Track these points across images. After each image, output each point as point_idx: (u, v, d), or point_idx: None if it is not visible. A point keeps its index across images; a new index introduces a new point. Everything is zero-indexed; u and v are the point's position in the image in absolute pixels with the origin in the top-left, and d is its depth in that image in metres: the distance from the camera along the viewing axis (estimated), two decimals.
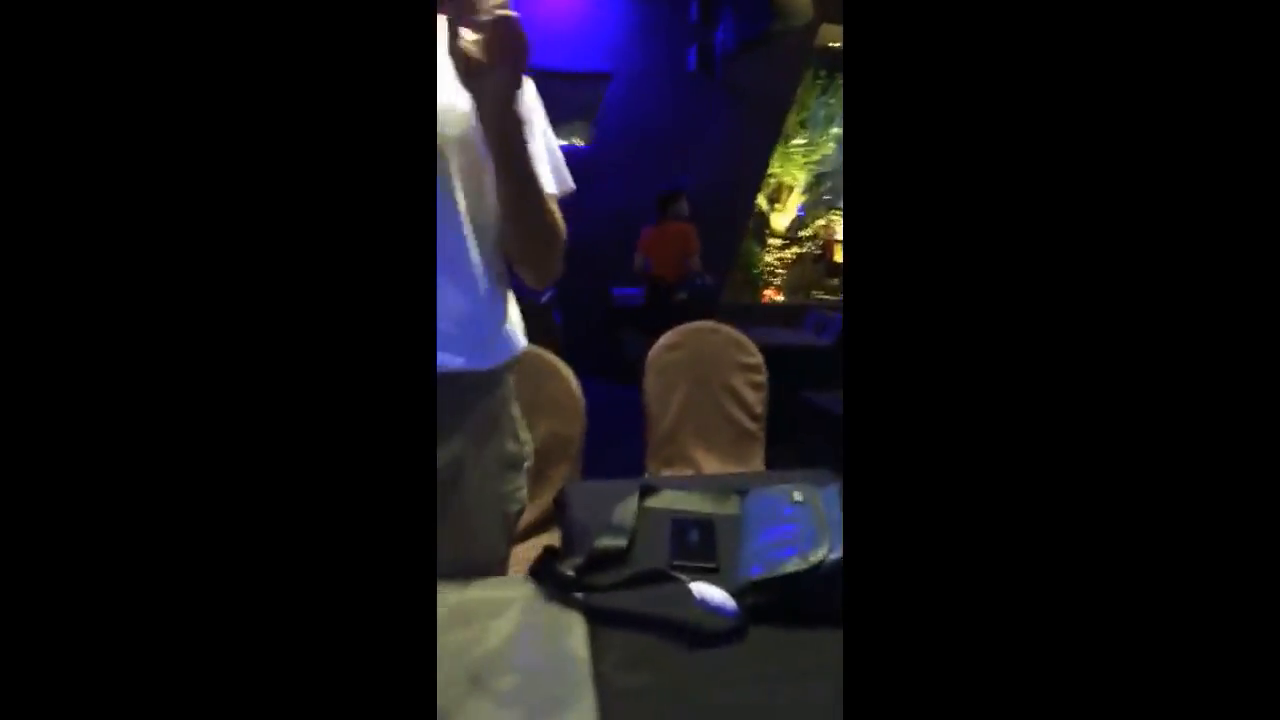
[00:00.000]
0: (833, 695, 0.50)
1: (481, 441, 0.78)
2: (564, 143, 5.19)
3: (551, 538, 1.24)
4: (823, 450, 2.09)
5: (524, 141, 0.69)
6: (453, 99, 0.69)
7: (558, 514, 1.07)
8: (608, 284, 4.74)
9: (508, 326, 0.78)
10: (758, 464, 1.82)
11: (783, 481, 0.94)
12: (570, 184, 0.79)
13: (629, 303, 4.55)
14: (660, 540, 0.86)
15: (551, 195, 0.76)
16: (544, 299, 3.82)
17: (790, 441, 2.13)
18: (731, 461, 1.81)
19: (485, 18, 0.60)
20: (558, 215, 0.75)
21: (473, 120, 0.69)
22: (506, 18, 0.60)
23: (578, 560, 0.76)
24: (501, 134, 0.67)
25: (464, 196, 0.72)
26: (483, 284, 0.73)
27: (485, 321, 0.75)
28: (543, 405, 1.37)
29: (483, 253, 0.74)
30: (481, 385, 0.77)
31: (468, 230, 0.72)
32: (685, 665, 0.62)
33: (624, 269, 4.79)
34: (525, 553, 1.14)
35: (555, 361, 1.42)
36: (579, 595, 0.71)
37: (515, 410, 0.83)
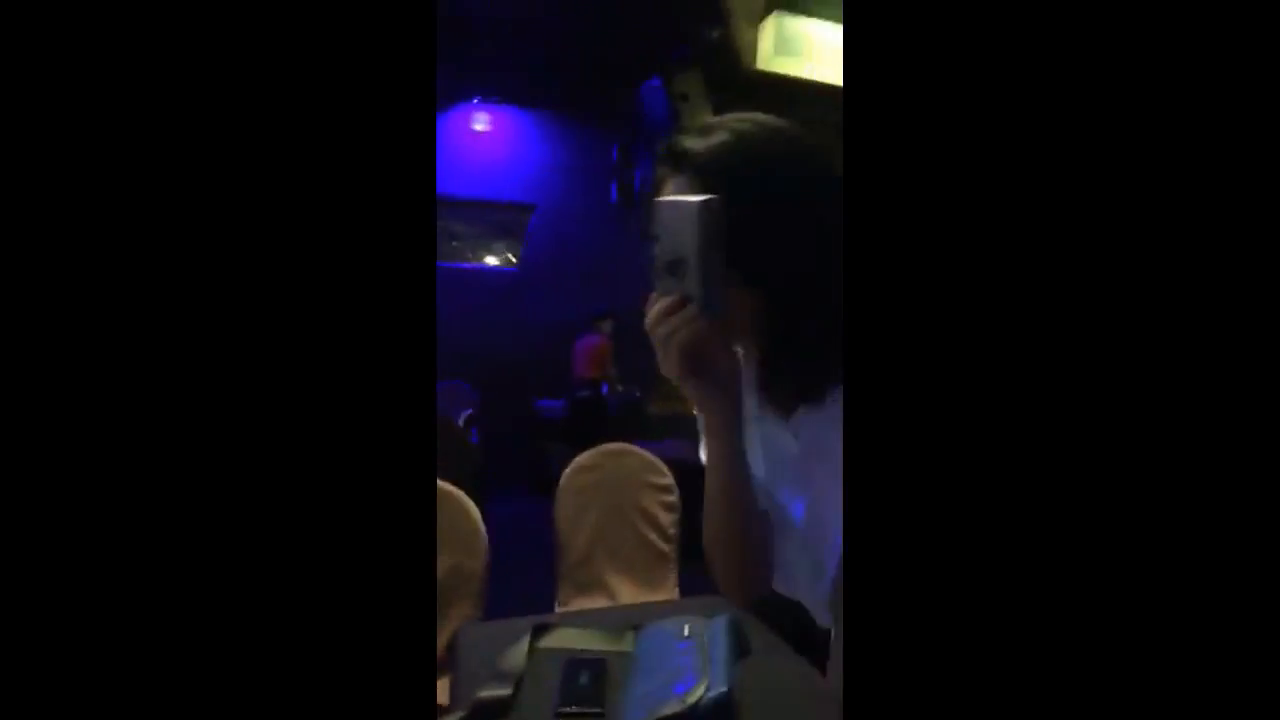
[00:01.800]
0: None
1: None
2: (493, 264, 5.37)
3: (443, 686, 1.17)
4: None
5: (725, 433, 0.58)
6: None
7: (449, 660, 1.03)
8: (532, 397, 4.77)
9: None
10: (671, 586, 1.80)
11: (680, 612, 0.95)
12: None
13: (552, 415, 4.58)
14: (551, 684, 0.85)
15: None
16: (461, 418, 3.78)
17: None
18: (645, 585, 1.79)
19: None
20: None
21: None
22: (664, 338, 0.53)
23: (458, 715, 0.73)
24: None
25: None
26: None
27: None
28: (441, 537, 1.34)
29: None
30: None
31: None
32: None
33: (548, 383, 4.84)
34: None
35: (453, 490, 1.40)
36: None
37: None
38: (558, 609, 1.70)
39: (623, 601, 1.73)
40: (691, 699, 0.71)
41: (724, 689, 0.72)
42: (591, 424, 4.08)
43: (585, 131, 4.98)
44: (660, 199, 0.54)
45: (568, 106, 4.85)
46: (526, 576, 1.84)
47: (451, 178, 4.65)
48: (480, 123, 4.62)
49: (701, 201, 0.51)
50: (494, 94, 4.58)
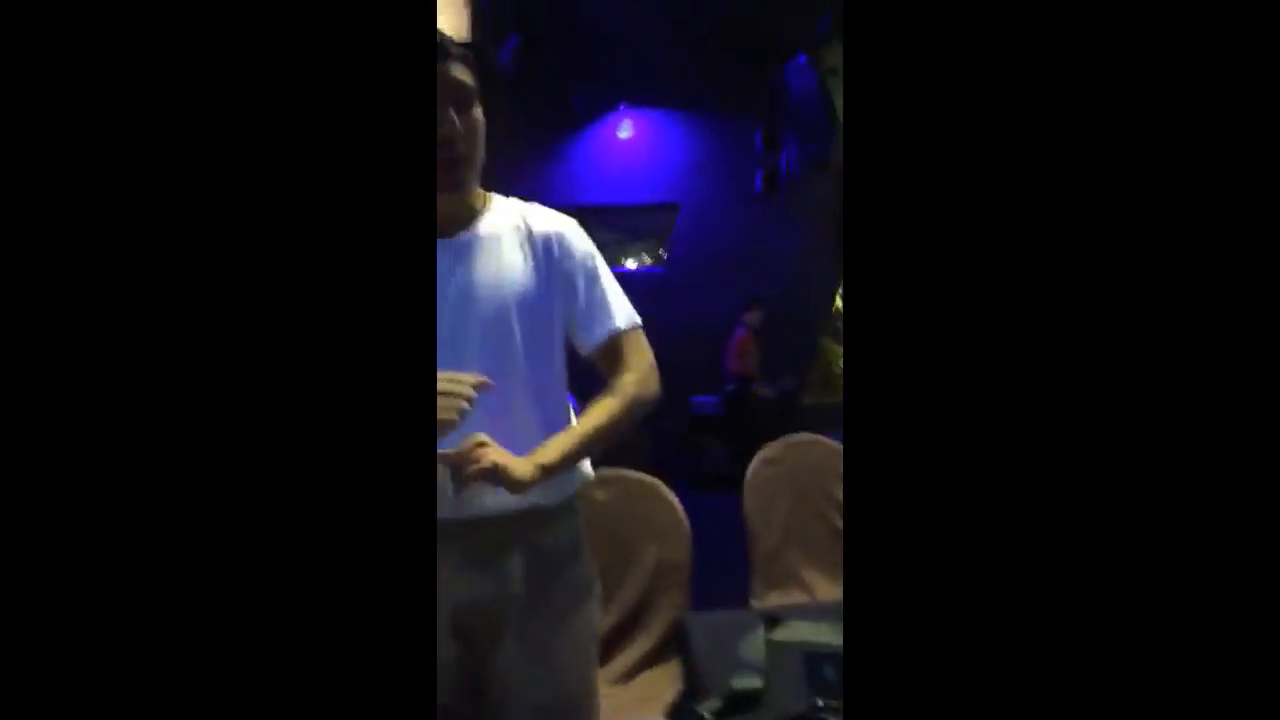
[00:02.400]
0: None
1: (555, 573, 0.78)
2: (639, 265, 5.48)
3: (667, 671, 1.19)
4: None
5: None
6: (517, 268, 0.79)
7: (678, 648, 1.04)
8: (687, 394, 4.80)
9: None
10: None
11: None
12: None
13: (706, 410, 4.59)
14: (794, 676, 0.82)
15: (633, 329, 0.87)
16: None
17: None
18: (841, 580, 1.71)
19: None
20: (640, 388, 0.87)
21: (533, 283, 0.79)
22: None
23: (715, 702, 0.73)
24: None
25: (524, 346, 0.77)
26: (544, 422, 0.77)
27: None
28: (646, 531, 1.37)
29: (543, 393, 0.79)
30: (554, 517, 0.79)
31: (528, 377, 0.77)
32: None
33: (701, 380, 4.85)
34: (638, 687, 1.10)
35: (656, 484, 1.42)
36: None
37: (583, 537, 0.83)
38: (753, 603, 1.68)
39: (820, 597, 1.67)
40: None
41: None
42: (742, 419, 4.04)
43: (727, 122, 4.93)
44: None
45: (709, 100, 4.83)
46: (705, 570, 1.82)
47: (598, 187, 4.80)
48: (625, 130, 4.73)
49: None
50: (636, 99, 4.67)
